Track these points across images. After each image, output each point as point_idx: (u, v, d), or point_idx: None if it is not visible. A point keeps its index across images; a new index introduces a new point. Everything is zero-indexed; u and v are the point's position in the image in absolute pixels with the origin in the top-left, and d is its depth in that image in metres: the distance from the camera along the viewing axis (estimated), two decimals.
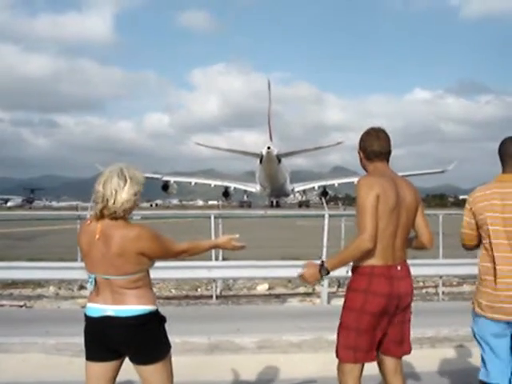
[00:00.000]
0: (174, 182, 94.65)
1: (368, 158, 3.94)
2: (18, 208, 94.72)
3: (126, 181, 3.13)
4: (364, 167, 4.02)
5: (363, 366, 3.85)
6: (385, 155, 3.92)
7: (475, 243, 3.82)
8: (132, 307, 3.13)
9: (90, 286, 3.19)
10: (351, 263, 3.82)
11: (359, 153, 4.02)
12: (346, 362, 3.80)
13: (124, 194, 3.10)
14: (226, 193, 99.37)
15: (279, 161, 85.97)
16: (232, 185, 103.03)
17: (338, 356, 3.85)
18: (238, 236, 3.57)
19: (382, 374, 3.98)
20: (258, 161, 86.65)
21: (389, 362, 3.91)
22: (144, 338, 3.16)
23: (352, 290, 3.81)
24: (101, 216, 3.14)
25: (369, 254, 3.66)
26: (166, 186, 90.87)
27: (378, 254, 3.68)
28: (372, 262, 3.70)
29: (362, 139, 3.98)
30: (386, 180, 3.76)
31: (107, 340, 3.16)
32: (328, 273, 3.74)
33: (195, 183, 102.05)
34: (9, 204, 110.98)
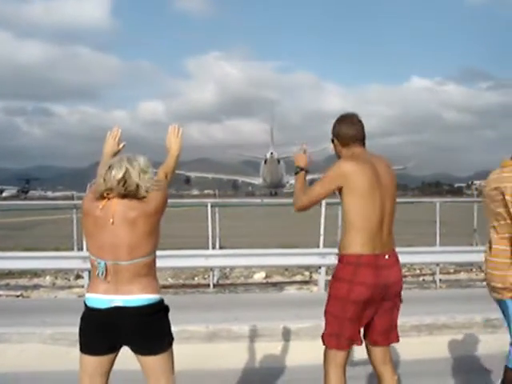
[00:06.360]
0: (195, 176, 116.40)
1: (345, 144, 3.82)
2: (13, 198, 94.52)
3: (136, 164, 3.04)
4: (339, 154, 3.88)
5: (348, 354, 3.82)
6: (361, 140, 3.82)
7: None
8: (140, 296, 3.04)
9: (99, 273, 3.01)
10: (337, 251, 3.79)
11: (333, 140, 3.90)
12: (330, 348, 3.77)
13: (136, 175, 3.01)
14: (234, 185, 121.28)
15: (278, 162, 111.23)
16: (240, 178, 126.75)
17: (323, 342, 3.82)
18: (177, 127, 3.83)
19: (372, 364, 3.95)
20: (263, 162, 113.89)
21: (377, 352, 3.87)
22: (154, 328, 3.09)
23: (337, 279, 3.74)
24: (111, 197, 3.00)
25: (354, 241, 3.63)
26: (188, 180, 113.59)
27: (365, 242, 3.62)
28: (359, 250, 3.63)
29: (337, 126, 3.86)
30: (365, 162, 3.67)
31: (116, 331, 3.05)
32: (300, 168, 4.02)
33: (212, 178, 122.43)
34: (3, 194, 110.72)
